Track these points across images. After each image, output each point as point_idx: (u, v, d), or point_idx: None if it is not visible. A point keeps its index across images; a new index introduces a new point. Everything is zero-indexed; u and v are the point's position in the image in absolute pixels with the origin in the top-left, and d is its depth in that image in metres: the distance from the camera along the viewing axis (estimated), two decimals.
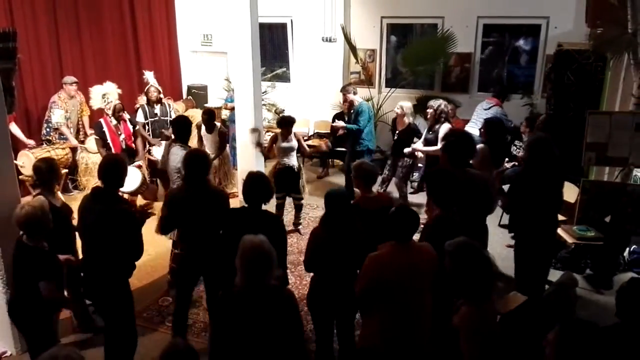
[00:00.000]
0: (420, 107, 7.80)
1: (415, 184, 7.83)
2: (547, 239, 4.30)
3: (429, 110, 6.34)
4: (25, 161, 6.45)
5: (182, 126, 5.01)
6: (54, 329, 3.59)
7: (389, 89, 8.77)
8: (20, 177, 5.60)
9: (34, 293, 3.23)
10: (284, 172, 6.07)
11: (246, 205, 3.57)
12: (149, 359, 3.84)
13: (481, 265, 2.60)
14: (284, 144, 6.00)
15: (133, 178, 6.07)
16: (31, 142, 6.96)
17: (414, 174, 7.71)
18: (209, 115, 6.83)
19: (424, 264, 2.99)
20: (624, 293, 2.62)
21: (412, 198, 7.31)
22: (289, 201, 6.35)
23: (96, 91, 7.17)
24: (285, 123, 6.03)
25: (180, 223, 3.91)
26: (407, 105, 6.79)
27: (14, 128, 6.56)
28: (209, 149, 6.83)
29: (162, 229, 4.10)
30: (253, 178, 3.60)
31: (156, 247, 5.32)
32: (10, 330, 4.03)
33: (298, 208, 6.35)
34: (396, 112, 6.82)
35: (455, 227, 3.23)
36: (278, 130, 6.14)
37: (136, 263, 3.53)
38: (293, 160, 6.11)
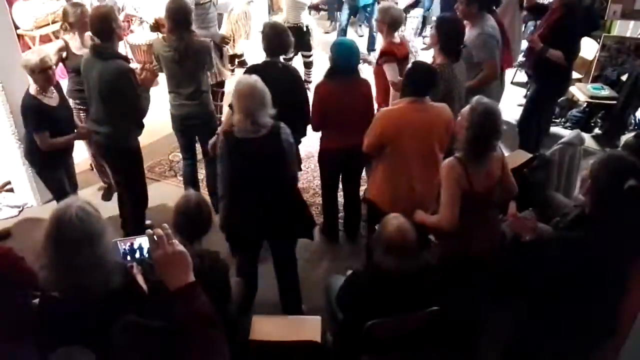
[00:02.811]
0: None
1: (428, 39, 7.51)
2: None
3: None
4: (21, 14, 6.16)
5: None
6: (67, 178, 3.73)
7: None
8: (18, 31, 5.42)
9: (35, 143, 3.38)
10: (293, 31, 5.80)
11: (267, 59, 3.49)
12: (163, 209, 4.04)
13: (490, 123, 2.53)
14: None
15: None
16: None
17: (426, 27, 7.37)
18: None
19: (437, 124, 2.96)
20: (628, 146, 2.63)
21: (425, 54, 7.05)
22: (297, 59, 6.18)
23: None
24: None
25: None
26: None
27: None
28: None
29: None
30: (275, 27, 3.51)
31: (166, 105, 5.32)
32: (29, 184, 4.21)
33: (307, 65, 6.20)
34: None
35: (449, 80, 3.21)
36: None
37: (145, 122, 3.55)
38: (303, 17, 5.81)
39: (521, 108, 4.93)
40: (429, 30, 7.40)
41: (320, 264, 3.82)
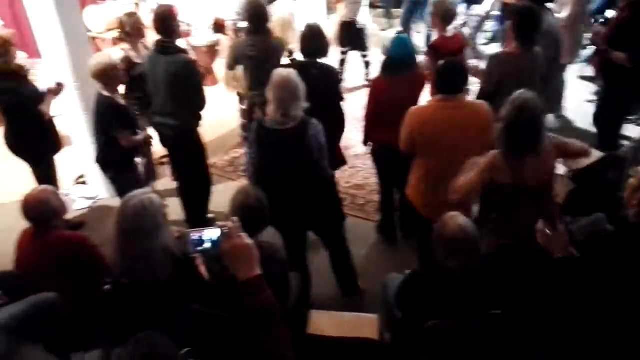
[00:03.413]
0: None
1: (490, 34, 7.33)
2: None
3: None
4: (92, 18, 6.52)
5: None
6: (136, 176, 3.88)
7: None
8: (89, 34, 5.72)
9: (111, 142, 3.51)
10: (350, 26, 5.82)
11: (304, 59, 3.55)
12: (223, 204, 4.13)
13: (526, 119, 2.43)
14: None
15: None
16: None
17: (488, 22, 7.17)
18: None
19: (472, 122, 2.86)
20: None
21: (485, 49, 6.87)
22: (353, 55, 6.17)
23: None
24: None
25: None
26: None
27: None
28: None
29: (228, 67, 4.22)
30: (311, 28, 3.56)
31: (224, 104, 5.48)
32: (100, 177, 4.44)
33: (366, 65, 6.18)
34: None
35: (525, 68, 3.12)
36: None
37: (207, 120, 3.71)
38: (360, 14, 5.80)
39: (590, 105, 4.73)
40: (491, 25, 7.24)
41: (377, 262, 3.80)
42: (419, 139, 2.93)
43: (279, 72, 2.88)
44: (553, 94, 4.56)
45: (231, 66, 4.14)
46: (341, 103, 3.74)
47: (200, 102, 3.59)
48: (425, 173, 2.99)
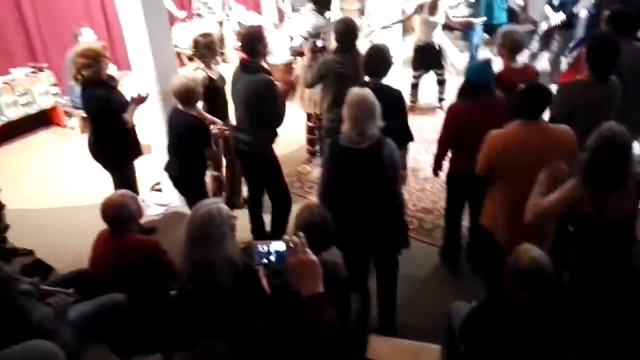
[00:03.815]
0: None
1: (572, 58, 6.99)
2: None
3: None
4: (179, 34, 6.90)
5: None
6: (205, 188, 4.02)
7: None
8: (175, 49, 6.04)
9: (185, 155, 3.65)
10: (425, 50, 5.78)
11: (367, 79, 3.54)
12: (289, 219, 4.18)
13: (612, 155, 2.29)
14: (430, 18, 5.63)
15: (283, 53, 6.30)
16: (182, 12, 7.36)
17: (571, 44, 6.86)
18: None
19: (554, 147, 2.72)
20: None
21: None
22: (429, 77, 6.10)
23: None
24: None
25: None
26: None
27: (169, 3, 6.95)
28: None
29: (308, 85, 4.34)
30: (375, 48, 3.58)
31: (292, 120, 5.58)
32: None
33: (440, 82, 6.10)
34: None
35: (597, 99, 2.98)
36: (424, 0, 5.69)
37: (278, 132, 3.77)
38: (437, 36, 5.74)
39: None
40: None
41: (436, 287, 3.71)
42: (499, 164, 2.84)
43: (355, 91, 2.89)
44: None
45: (311, 84, 4.25)
46: (405, 122, 3.66)
47: (277, 120, 3.67)
48: (505, 199, 2.89)
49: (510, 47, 3.65)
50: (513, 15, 7.18)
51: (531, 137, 2.75)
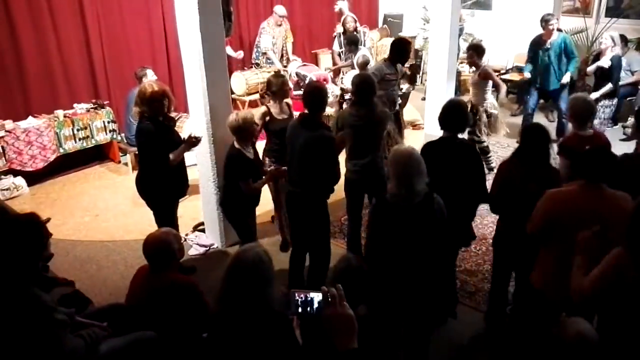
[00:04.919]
0: None
1: (629, 130, 6.81)
2: None
3: None
4: (237, 81, 7.17)
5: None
6: (251, 226, 4.11)
7: (609, 18, 7.57)
8: (232, 95, 6.26)
9: (234, 190, 3.78)
10: (472, 110, 5.75)
11: (444, 135, 3.49)
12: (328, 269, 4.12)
13: None
14: (475, 78, 5.64)
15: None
16: (240, 53, 7.67)
17: (630, 118, 6.69)
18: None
19: (612, 214, 2.60)
20: None
21: (623, 145, 6.35)
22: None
23: None
24: (477, 50, 5.63)
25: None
26: (616, 35, 6.12)
27: (228, 50, 7.25)
28: None
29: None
30: (452, 104, 3.54)
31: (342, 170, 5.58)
32: (218, 226, 4.68)
33: (482, 152, 5.95)
34: (605, 44, 6.09)
35: None
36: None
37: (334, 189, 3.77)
38: (488, 98, 5.72)
39: None
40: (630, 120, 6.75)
41: (480, 354, 3.54)
42: (556, 223, 2.76)
43: (399, 149, 2.87)
44: None
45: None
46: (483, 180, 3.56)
47: (334, 178, 3.67)
48: (560, 261, 2.77)
49: (578, 113, 3.57)
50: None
51: (593, 200, 2.67)
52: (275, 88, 4.33)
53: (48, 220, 2.98)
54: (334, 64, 7.45)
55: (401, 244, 2.77)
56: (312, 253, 3.89)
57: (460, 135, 3.53)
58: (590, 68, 6.37)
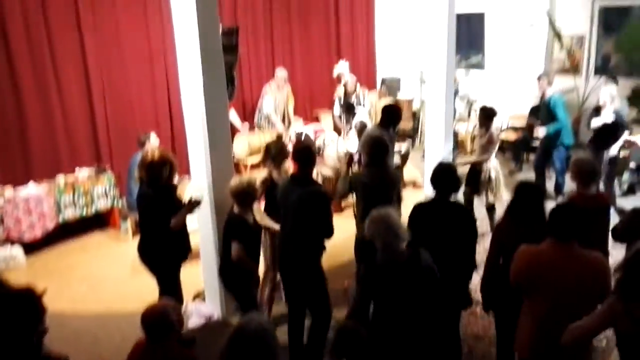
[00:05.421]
0: (636, 99, 6.85)
1: (625, 185, 6.84)
2: None
3: None
4: (239, 145, 7.25)
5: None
6: (253, 295, 4.03)
7: (599, 76, 7.83)
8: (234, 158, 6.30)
9: (223, 247, 3.79)
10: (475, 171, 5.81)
11: (435, 197, 3.54)
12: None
13: None
14: (483, 140, 5.72)
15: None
16: (245, 125, 7.83)
17: (625, 173, 6.75)
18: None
19: (583, 275, 2.60)
20: None
21: (622, 201, 6.35)
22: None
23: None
24: (485, 114, 5.75)
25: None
26: (614, 90, 6.27)
27: (232, 114, 7.34)
28: None
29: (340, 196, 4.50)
30: (442, 167, 3.61)
31: (344, 232, 5.52)
32: (219, 296, 4.57)
33: (487, 208, 5.95)
34: (603, 99, 6.22)
35: None
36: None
37: (326, 246, 3.75)
38: (489, 159, 5.76)
39: None
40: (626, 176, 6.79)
41: None
42: (525, 282, 2.76)
43: (378, 212, 2.92)
44: None
45: (342, 196, 4.43)
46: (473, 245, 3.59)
47: (329, 232, 3.69)
48: (533, 321, 2.76)
49: (582, 173, 3.59)
50: None
51: (561, 260, 2.66)
52: (275, 152, 4.38)
53: (44, 292, 2.91)
54: (335, 126, 7.62)
55: (395, 306, 2.81)
56: (312, 314, 3.83)
57: (453, 197, 3.56)
58: (595, 124, 6.25)
